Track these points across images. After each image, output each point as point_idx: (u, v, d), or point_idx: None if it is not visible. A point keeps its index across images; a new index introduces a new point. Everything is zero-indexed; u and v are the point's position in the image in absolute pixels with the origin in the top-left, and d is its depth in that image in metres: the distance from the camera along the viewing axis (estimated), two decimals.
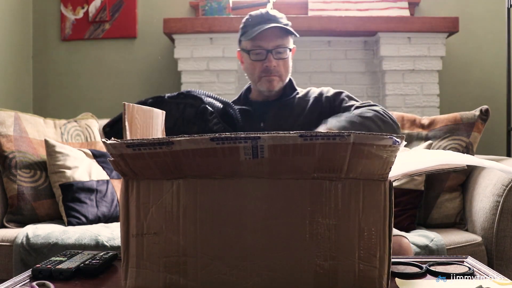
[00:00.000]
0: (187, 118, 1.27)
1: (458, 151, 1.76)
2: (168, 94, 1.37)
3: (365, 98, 2.55)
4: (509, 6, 2.29)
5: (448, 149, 1.78)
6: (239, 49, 1.45)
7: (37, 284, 0.79)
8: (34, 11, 2.77)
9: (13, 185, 1.76)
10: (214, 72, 2.48)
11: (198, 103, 1.27)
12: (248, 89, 1.49)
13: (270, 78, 1.36)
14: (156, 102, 1.31)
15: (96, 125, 2.16)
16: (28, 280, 0.86)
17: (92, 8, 2.71)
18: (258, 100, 1.44)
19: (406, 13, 2.52)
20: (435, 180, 1.78)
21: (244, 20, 1.42)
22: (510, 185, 1.53)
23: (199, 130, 1.26)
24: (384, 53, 2.42)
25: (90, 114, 2.22)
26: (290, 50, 1.39)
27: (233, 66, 2.47)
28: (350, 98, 1.40)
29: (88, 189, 1.80)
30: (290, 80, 1.47)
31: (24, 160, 1.80)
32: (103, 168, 1.91)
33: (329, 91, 1.43)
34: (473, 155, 1.79)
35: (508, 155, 2.30)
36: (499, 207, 1.53)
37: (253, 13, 1.40)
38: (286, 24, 1.38)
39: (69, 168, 1.79)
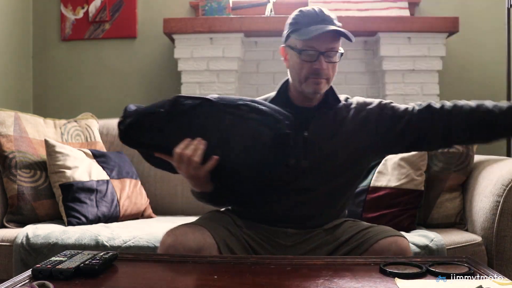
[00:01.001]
0: (263, 141, 1.10)
1: (458, 151, 1.77)
2: (219, 99, 1.14)
3: None
4: (509, 6, 2.29)
5: (448, 149, 1.77)
6: (284, 45, 1.35)
7: (37, 284, 0.80)
8: (34, 11, 2.77)
9: (13, 185, 1.76)
10: (214, 72, 2.48)
11: (273, 122, 1.10)
12: (287, 87, 1.39)
13: (318, 81, 1.28)
14: (201, 105, 1.12)
15: (96, 125, 2.16)
16: (28, 280, 0.86)
17: (92, 8, 2.71)
18: (299, 105, 1.36)
19: (406, 13, 2.52)
20: (435, 180, 1.78)
21: (294, 15, 1.33)
22: (510, 185, 1.53)
23: (277, 157, 1.12)
24: (384, 53, 2.42)
25: (90, 114, 2.22)
26: (342, 54, 1.32)
27: (233, 66, 2.47)
28: (396, 107, 1.34)
29: (88, 189, 1.80)
30: (331, 88, 1.37)
31: (24, 160, 1.80)
32: (103, 168, 1.91)
33: (372, 103, 1.37)
34: (473, 155, 1.79)
35: (508, 155, 2.30)
36: (499, 207, 1.53)
37: (305, 9, 1.32)
38: (340, 27, 1.30)
39: (69, 168, 1.79)
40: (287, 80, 1.39)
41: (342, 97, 1.40)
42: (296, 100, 1.36)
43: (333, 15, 1.32)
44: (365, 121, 1.33)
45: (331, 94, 1.37)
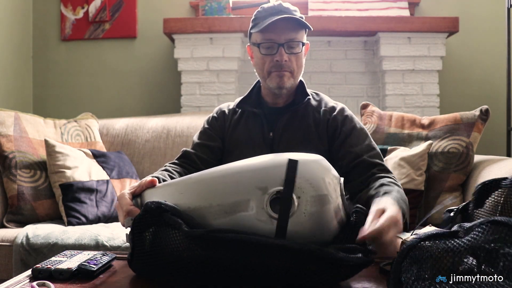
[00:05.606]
0: None
1: (458, 151, 1.77)
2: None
3: (365, 98, 2.55)
4: (509, 6, 2.29)
5: (448, 149, 1.78)
6: (249, 44, 1.36)
7: (37, 284, 0.79)
8: (34, 11, 2.78)
9: (13, 185, 1.76)
10: (214, 72, 2.48)
11: None
12: (260, 87, 1.39)
13: (280, 73, 1.26)
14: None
15: (96, 125, 2.16)
16: (28, 280, 0.86)
17: (92, 8, 2.71)
18: (269, 105, 1.36)
19: (406, 13, 2.52)
20: (435, 180, 1.78)
21: (255, 12, 1.32)
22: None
23: None
24: (384, 53, 2.42)
25: (90, 114, 2.22)
26: (303, 44, 1.29)
27: (233, 66, 2.47)
28: (359, 134, 1.29)
29: (88, 189, 1.80)
30: (301, 82, 1.37)
31: (24, 160, 1.80)
32: (103, 168, 1.91)
33: (342, 111, 1.33)
34: (473, 155, 1.79)
35: (508, 155, 2.30)
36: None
37: (266, 5, 1.31)
38: (301, 17, 1.28)
39: (69, 168, 1.79)
40: (259, 80, 1.39)
41: (317, 97, 1.39)
42: (268, 99, 1.36)
43: (293, 7, 1.30)
44: (325, 128, 1.31)
45: (300, 91, 1.35)
